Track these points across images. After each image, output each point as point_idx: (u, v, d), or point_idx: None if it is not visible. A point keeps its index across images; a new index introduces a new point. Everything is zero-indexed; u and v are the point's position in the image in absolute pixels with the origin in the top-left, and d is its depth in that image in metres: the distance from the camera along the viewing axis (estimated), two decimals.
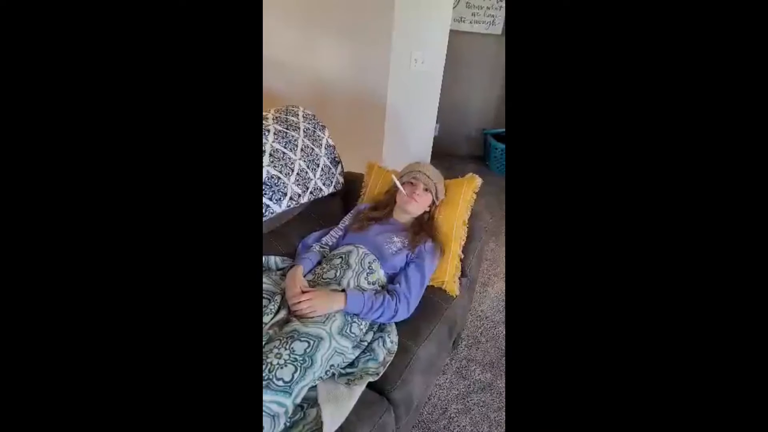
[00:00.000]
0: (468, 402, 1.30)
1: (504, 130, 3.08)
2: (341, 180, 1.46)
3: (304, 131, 1.32)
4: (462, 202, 1.26)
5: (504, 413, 1.27)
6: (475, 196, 1.28)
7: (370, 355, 0.96)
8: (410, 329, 1.06)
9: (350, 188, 1.48)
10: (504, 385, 1.37)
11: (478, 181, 1.29)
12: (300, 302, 0.92)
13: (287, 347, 0.81)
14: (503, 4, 2.69)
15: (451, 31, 1.85)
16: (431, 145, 2.15)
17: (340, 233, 1.23)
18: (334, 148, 1.42)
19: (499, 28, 2.78)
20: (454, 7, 2.43)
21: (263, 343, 0.84)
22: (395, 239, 1.14)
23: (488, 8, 2.72)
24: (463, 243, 1.25)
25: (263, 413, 0.74)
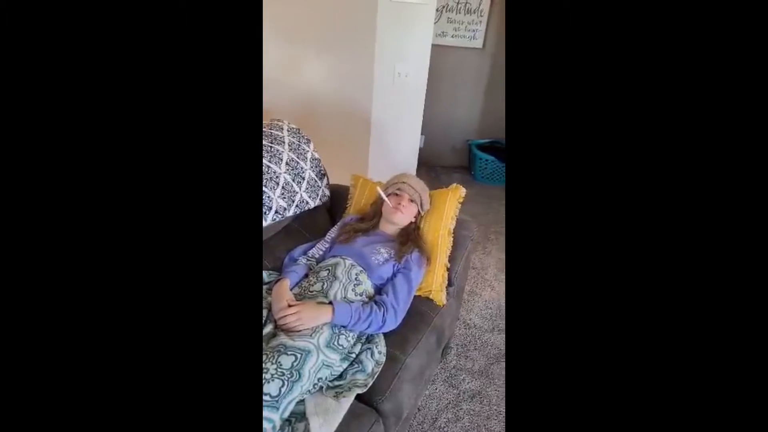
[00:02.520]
0: (458, 411, 1.30)
1: (488, 140, 3.14)
2: (327, 193, 1.47)
3: (288, 145, 1.33)
4: (447, 211, 1.28)
5: (495, 421, 1.28)
6: (459, 205, 1.31)
7: (359, 366, 0.96)
8: (398, 339, 1.06)
9: (336, 201, 1.49)
10: (494, 393, 1.37)
11: (462, 191, 1.32)
12: (287, 316, 0.92)
13: (274, 361, 0.81)
14: (483, 18, 2.78)
15: (433, 45, 1.90)
16: (417, 156, 2.18)
17: (327, 245, 1.24)
18: (320, 161, 1.43)
19: (480, 42, 2.86)
20: (435, 22, 2.50)
21: None
22: (382, 250, 1.15)
23: (469, 23, 2.80)
24: (449, 252, 1.27)
25: None
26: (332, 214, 1.49)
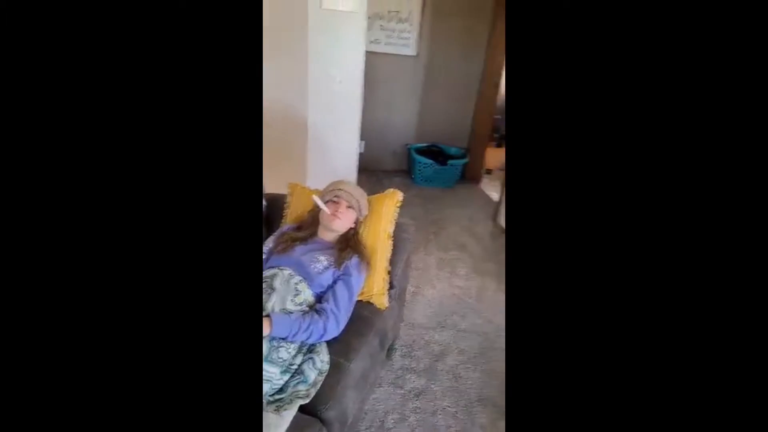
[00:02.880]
0: (404, 410, 1.33)
1: (425, 144, 3.25)
2: (263, 202, 1.43)
3: None
4: (386, 216, 1.31)
5: (440, 416, 1.32)
6: (398, 209, 1.34)
7: (300, 377, 0.94)
8: (341, 346, 1.06)
9: (273, 210, 1.46)
10: (438, 389, 1.42)
11: (399, 195, 1.35)
12: None
13: None
14: (414, 27, 2.88)
15: (368, 52, 1.94)
16: (357, 161, 2.20)
17: (264, 257, 1.20)
18: None
19: (413, 49, 2.95)
20: (369, 30, 2.54)
21: None
22: (321, 258, 1.15)
23: (401, 31, 2.88)
24: (389, 256, 1.29)
25: None
26: (269, 224, 1.46)
